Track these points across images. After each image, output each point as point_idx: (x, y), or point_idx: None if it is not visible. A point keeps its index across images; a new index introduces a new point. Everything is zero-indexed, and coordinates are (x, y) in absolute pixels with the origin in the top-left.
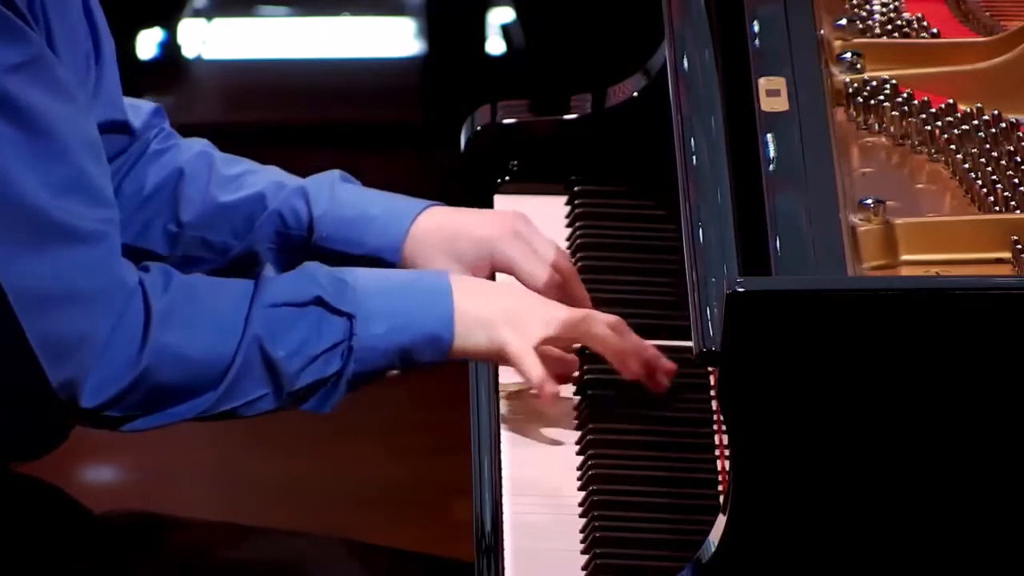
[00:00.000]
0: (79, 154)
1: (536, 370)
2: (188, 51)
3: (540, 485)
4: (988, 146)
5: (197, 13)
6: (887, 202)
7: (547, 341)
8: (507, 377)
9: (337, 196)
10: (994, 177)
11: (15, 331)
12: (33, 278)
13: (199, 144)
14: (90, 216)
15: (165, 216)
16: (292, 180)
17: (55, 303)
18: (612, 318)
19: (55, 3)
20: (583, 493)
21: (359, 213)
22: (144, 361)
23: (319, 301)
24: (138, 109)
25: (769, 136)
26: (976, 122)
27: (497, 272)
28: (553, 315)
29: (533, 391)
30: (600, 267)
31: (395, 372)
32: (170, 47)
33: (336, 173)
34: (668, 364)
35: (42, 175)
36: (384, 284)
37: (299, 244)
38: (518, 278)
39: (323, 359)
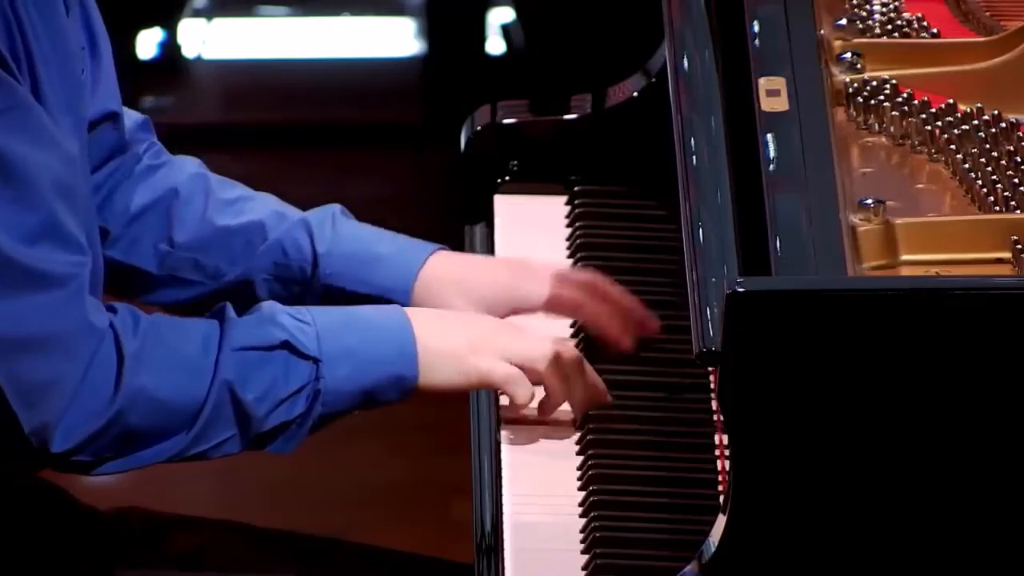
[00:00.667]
0: (53, 202)
1: (524, 395)
2: (188, 51)
3: (540, 485)
4: (988, 146)
5: (197, 13)
6: (887, 202)
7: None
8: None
9: (341, 232)
10: (994, 177)
11: None
12: (3, 323)
13: (193, 165)
14: (61, 261)
15: (156, 235)
16: (291, 210)
17: (25, 348)
18: (568, 356)
19: (41, 11)
20: (583, 493)
21: (367, 251)
22: (117, 404)
23: (286, 345)
24: (126, 117)
25: (769, 136)
26: (976, 122)
27: (514, 314)
28: (516, 341)
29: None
30: (600, 267)
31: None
32: (170, 47)
33: (335, 208)
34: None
35: (14, 221)
36: (344, 325)
37: (298, 277)
38: (542, 314)
39: (289, 402)
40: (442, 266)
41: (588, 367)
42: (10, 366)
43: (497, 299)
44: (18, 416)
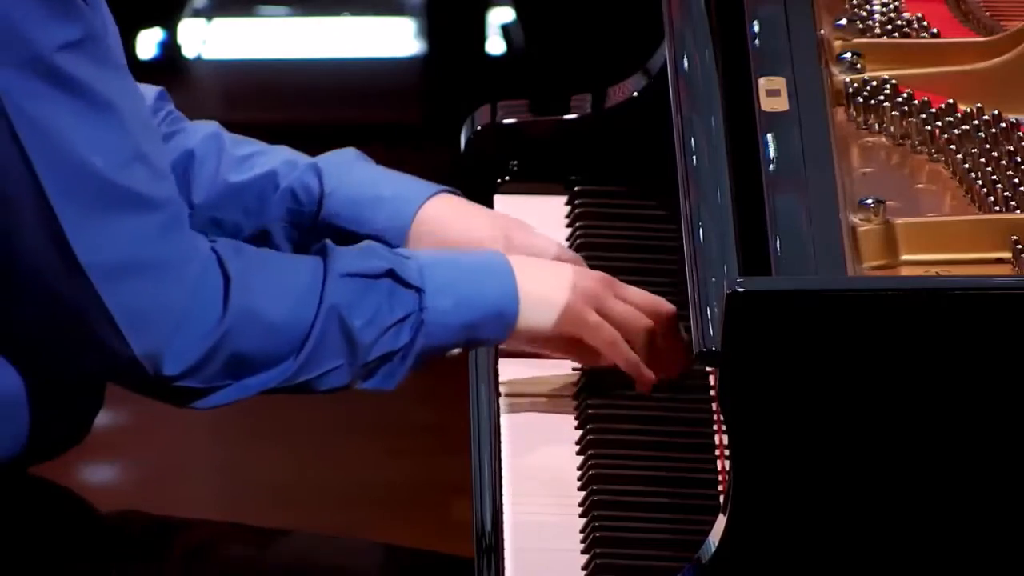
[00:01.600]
0: (137, 129)
1: (624, 350)
2: (188, 51)
3: (540, 485)
4: (988, 146)
5: (197, 13)
6: (887, 202)
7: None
8: (509, 373)
9: (349, 174)
10: (994, 177)
11: (47, 319)
12: (107, 247)
13: (209, 127)
14: (157, 185)
15: None
16: (304, 158)
17: (131, 272)
18: (661, 329)
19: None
20: (583, 493)
21: (370, 193)
22: (225, 325)
23: (390, 273)
24: (143, 93)
25: (769, 136)
26: (976, 122)
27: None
28: (613, 305)
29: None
30: (600, 267)
31: (457, 351)
32: (170, 47)
33: (351, 151)
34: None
35: (107, 146)
36: (446, 261)
37: (308, 222)
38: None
39: (394, 330)
40: (436, 212)
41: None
42: (116, 291)
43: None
44: (129, 341)
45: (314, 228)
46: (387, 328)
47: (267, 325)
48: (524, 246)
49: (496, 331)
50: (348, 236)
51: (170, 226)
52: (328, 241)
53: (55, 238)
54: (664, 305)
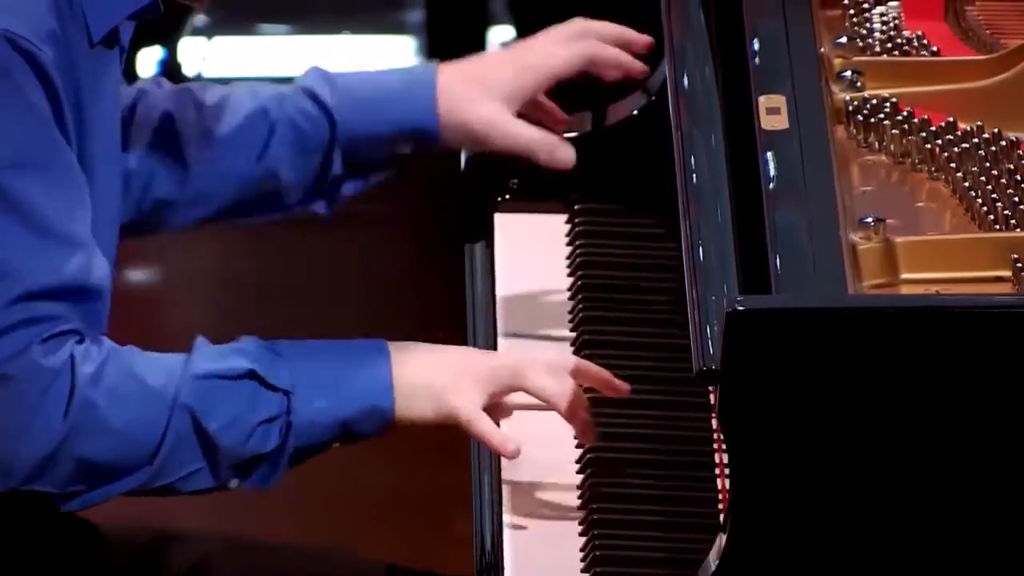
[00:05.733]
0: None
1: (491, 434)
2: (189, 69)
3: (540, 502)
4: (988, 164)
5: (197, 31)
6: (887, 220)
7: (493, 396)
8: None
9: (340, 84)
10: (994, 195)
11: None
12: None
13: (165, 84)
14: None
15: (168, 163)
16: (282, 88)
17: None
18: (557, 362)
19: (94, 79)
20: (583, 511)
21: (377, 91)
22: (65, 432)
23: (252, 375)
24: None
25: (769, 154)
26: (976, 140)
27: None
28: (493, 367)
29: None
30: (600, 285)
31: (336, 445)
32: (171, 65)
33: (317, 69)
34: (619, 387)
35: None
36: (319, 356)
37: (318, 145)
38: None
39: (261, 432)
40: (452, 78)
41: (586, 370)
42: None
43: (513, 88)
44: None
45: (331, 148)
46: (251, 430)
47: (112, 432)
48: (533, 51)
49: (373, 426)
50: (377, 142)
51: (23, 346)
52: (198, 338)
53: None
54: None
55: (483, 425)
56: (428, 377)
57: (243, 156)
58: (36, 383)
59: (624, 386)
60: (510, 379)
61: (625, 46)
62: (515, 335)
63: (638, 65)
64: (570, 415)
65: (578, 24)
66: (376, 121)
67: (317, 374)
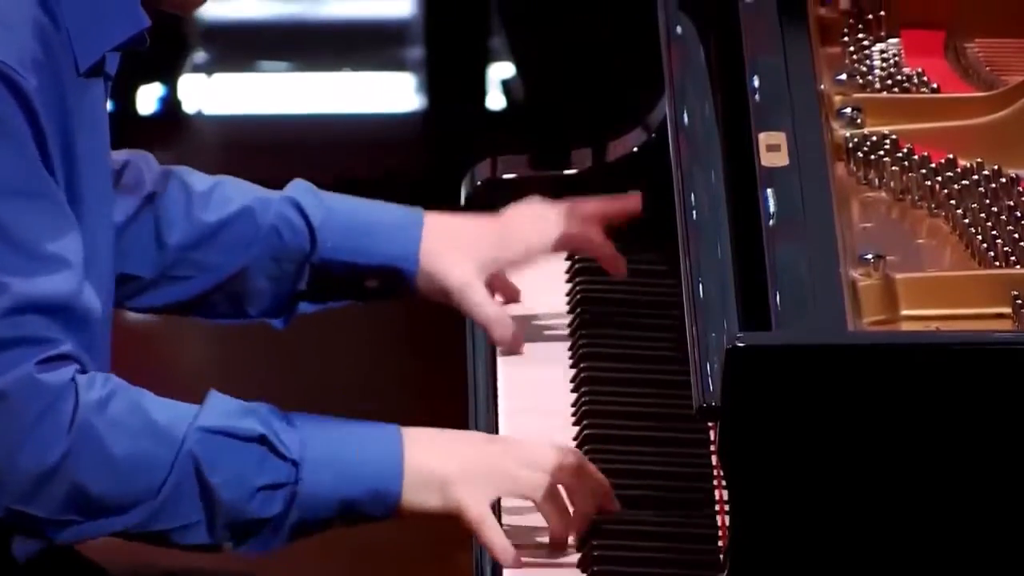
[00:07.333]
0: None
1: (494, 542)
2: (188, 106)
3: (540, 541)
4: (988, 201)
5: (197, 68)
6: (887, 257)
7: (502, 496)
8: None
9: (329, 204)
10: (994, 232)
11: None
12: None
13: (151, 163)
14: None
15: (144, 240)
16: (269, 191)
17: None
18: (568, 467)
19: (80, 107)
20: (583, 548)
21: (364, 221)
22: (65, 448)
23: (263, 440)
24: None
25: (769, 191)
26: (976, 177)
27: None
28: (510, 475)
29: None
30: (600, 322)
31: (339, 523)
32: (170, 102)
33: (303, 182)
34: (614, 506)
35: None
36: (331, 432)
37: (296, 256)
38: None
39: (262, 497)
40: (439, 229)
41: (591, 475)
42: None
43: (492, 257)
44: None
45: (306, 264)
46: (253, 492)
47: (113, 463)
48: (521, 228)
49: (379, 510)
50: (354, 270)
51: (18, 363)
52: (211, 392)
53: None
54: (569, 457)
55: (487, 531)
56: (440, 467)
57: (222, 250)
58: (35, 400)
59: (616, 506)
60: (522, 493)
61: (616, 216)
62: (515, 364)
63: (621, 268)
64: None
65: (566, 206)
66: (357, 250)
67: (327, 449)
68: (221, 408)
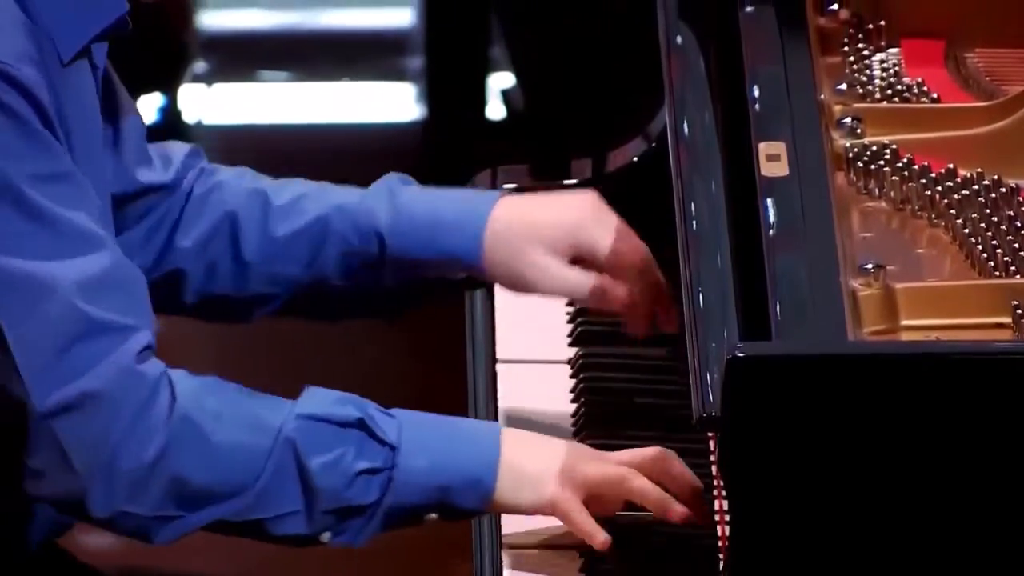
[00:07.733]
0: (104, 258)
1: (584, 524)
2: (189, 116)
3: (539, 552)
4: (988, 211)
5: (197, 78)
6: (887, 267)
7: (590, 499)
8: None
9: (400, 204)
10: (994, 242)
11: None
12: (56, 384)
13: (246, 180)
14: (113, 314)
15: (227, 259)
16: (349, 195)
17: (76, 406)
18: (654, 459)
19: (70, 98)
20: (582, 559)
21: (430, 217)
22: (165, 439)
23: (361, 425)
24: (170, 158)
25: (769, 201)
26: (976, 187)
27: (580, 255)
28: (598, 472)
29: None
30: (600, 333)
31: (433, 518)
32: (171, 112)
33: (395, 178)
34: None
35: (66, 272)
36: (430, 423)
37: (368, 260)
38: (599, 260)
39: (360, 482)
40: (508, 213)
41: (678, 469)
42: (63, 425)
43: (563, 240)
44: (75, 472)
45: (381, 264)
46: (352, 476)
47: (213, 451)
48: (609, 222)
49: (472, 500)
50: (419, 264)
51: (119, 357)
52: (307, 387)
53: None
54: (656, 456)
55: (578, 516)
56: (536, 466)
57: (295, 262)
58: (135, 394)
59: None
60: (613, 491)
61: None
62: (514, 371)
63: (639, 332)
64: (679, 516)
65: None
66: (424, 247)
67: (425, 437)
68: (319, 397)
